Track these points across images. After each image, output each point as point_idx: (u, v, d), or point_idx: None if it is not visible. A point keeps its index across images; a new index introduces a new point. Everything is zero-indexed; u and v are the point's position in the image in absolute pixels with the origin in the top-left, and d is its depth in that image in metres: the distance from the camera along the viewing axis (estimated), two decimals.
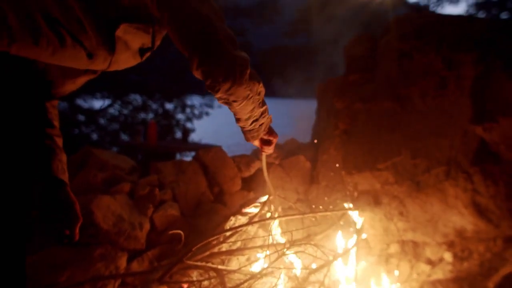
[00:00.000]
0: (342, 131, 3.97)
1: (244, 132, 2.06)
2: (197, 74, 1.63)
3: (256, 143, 2.21)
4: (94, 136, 11.95)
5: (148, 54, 1.81)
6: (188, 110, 12.84)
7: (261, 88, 1.84)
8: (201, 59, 1.60)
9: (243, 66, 1.65)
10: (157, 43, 1.77)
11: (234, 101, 1.76)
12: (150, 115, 12.32)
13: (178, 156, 9.28)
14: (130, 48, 1.68)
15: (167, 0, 1.60)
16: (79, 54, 1.48)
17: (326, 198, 3.91)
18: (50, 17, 1.37)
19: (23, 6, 1.32)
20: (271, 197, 3.23)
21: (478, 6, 10.25)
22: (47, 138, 1.79)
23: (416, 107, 3.48)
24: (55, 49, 1.41)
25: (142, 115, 12.49)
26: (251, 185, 4.23)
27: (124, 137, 11.88)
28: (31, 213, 1.62)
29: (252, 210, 3.41)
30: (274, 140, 2.23)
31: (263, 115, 1.97)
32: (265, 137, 2.16)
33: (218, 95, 1.69)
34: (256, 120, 1.96)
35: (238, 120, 1.94)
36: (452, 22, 3.64)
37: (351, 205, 3.58)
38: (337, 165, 3.90)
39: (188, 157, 9.41)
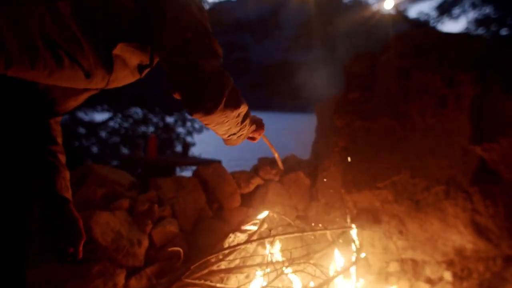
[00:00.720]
0: (342, 148, 3.98)
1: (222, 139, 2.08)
2: (175, 96, 1.68)
3: None
4: (95, 149, 11.96)
5: (147, 71, 1.82)
6: (188, 123, 12.85)
7: (241, 110, 1.85)
8: (176, 84, 1.65)
9: (217, 98, 1.67)
10: (156, 60, 1.78)
11: (207, 124, 1.80)
12: (151, 129, 12.33)
13: (178, 170, 9.27)
14: (128, 65, 1.68)
15: (160, 20, 1.61)
16: (76, 74, 1.47)
17: (325, 216, 3.90)
18: (49, 38, 1.36)
19: (22, 27, 1.31)
20: (270, 213, 3.24)
21: (477, 22, 10.28)
22: (51, 155, 1.80)
23: (416, 126, 3.49)
24: (52, 71, 1.39)
25: (142, 129, 12.51)
26: (251, 201, 4.22)
27: (125, 150, 11.88)
28: (31, 229, 1.62)
29: (251, 227, 3.41)
30: (258, 137, 2.26)
31: (242, 129, 1.98)
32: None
33: (192, 117, 1.73)
34: (234, 134, 1.97)
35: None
36: (451, 40, 3.66)
37: (350, 223, 3.58)
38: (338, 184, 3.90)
39: (188, 171, 9.40)
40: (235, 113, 1.80)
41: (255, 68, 12.70)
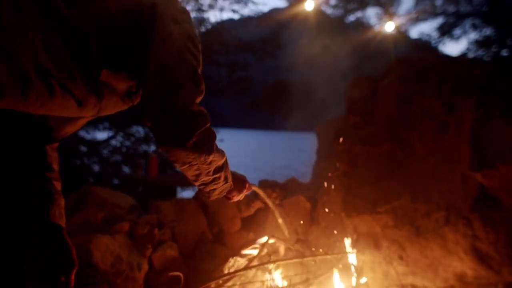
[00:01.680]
0: (342, 172, 3.98)
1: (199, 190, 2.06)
2: (147, 123, 1.68)
3: None
4: (96, 168, 11.94)
5: (138, 97, 1.82)
6: None
7: (214, 159, 1.83)
8: (148, 114, 1.65)
9: (184, 137, 1.67)
10: None
11: (174, 162, 1.77)
12: (152, 147, 12.32)
13: (179, 189, 9.26)
14: (117, 92, 1.68)
15: (145, 47, 1.63)
16: (69, 103, 1.47)
17: (326, 240, 3.89)
18: (42, 67, 1.35)
19: (13, 56, 1.29)
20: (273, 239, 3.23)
21: (478, 43, 10.33)
22: (46, 182, 1.79)
23: (416, 151, 3.49)
24: (44, 102, 1.38)
25: (144, 147, 12.50)
26: (251, 225, 4.21)
27: (126, 169, 11.87)
28: (25, 256, 1.62)
29: (251, 251, 3.39)
30: (237, 197, 2.25)
31: (215, 182, 1.96)
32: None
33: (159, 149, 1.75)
34: (205, 184, 1.94)
35: None
36: (451, 65, 3.68)
37: (350, 248, 3.56)
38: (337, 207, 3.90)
39: (189, 190, 9.39)
40: (205, 159, 1.78)
41: (256, 87, 12.73)
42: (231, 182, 2.09)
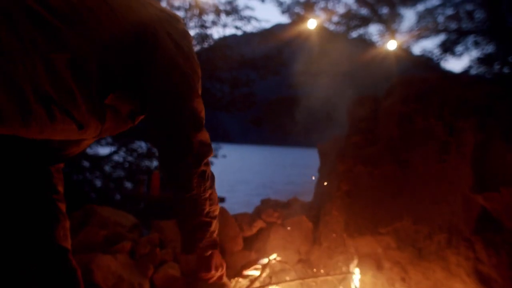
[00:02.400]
0: (344, 192, 3.98)
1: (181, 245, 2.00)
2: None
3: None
4: (98, 183, 11.93)
5: (140, 118, 1.83)
6: None
7: (211, 197, 1.87)
8: (155, 141, 1.73)
9: (194, 161, 1.72)
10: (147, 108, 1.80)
11: (176, 189, 1.83)
12: (155, 163, 12.32)
13: None
14: (120, 113, 1.69)
15: (156, 90, 1.65)
16: (70, 127, 1.46)
17: (328, 260, 3.88)
18: (42, 92, 1.34)
19: (14, 83, 1.27)
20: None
21: (480, 61, 10.33)
22: (51, 204, 1.80)
23: (418, 172, 3.49)
24: (44, 128, 1.37)
25: (146, 162, 12.49)
26: (253, 244, 4.20)
27: (128, 184, 11.86)
28: (30, 278, 1.62)
29: (253, 272, 3.39)
30: (209, 274, 2.10)
31: (204, 229, 1.92)
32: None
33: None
34: (195, 228, 1.91)
35: None
36: (453, 86, 3.69)
37: (352, 269, 3.55)
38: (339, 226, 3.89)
39: None
40: (204, 189, 1.81)
41: (259, 103, 12.74)
42: (217, 244, 2.03)
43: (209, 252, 2.02)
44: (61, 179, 1.88)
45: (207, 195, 1.83)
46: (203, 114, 1.76)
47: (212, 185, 1.84)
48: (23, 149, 1.60)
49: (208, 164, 1.77)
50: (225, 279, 2.19)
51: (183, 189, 1.78)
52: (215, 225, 1.97)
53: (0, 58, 1.27)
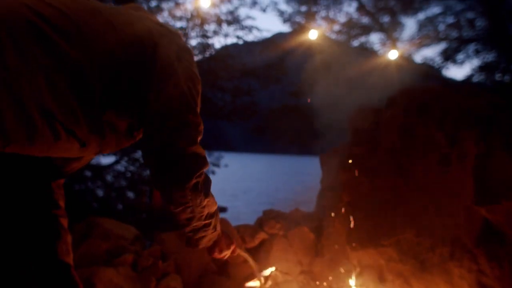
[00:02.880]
0: (347, 203, 3.97)
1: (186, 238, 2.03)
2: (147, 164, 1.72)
3: None
4: (100, 192, 11.92)
5: (140, 135, 1.83)
6: None
7: (208, 203, 1.85)
8: (148, 156, 1.71)
9: (184, 178, 1.71)
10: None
11: (168, 203, 1.79)
12: None
13: None
14: (118, 130, 1.69)
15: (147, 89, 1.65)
16: (72, 145, 1.48)
17: (330, 272, 3.87)
18: (46, 110, 1.35)
19: (20, 101, 1.29)
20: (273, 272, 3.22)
21: (481, 69, 10.36)
22: (53, 220, 1.80)
23: (420, 183, 3.48)
24: (49, 146, 1.40)
25: (148, 172, 12.47)
26: (256, 256, 4.20)
27: (130, 194, 11.85)
28: None
29: (255, 283, 3.38)
30: (226, 252, 2.21)
31: (205, 229, 1.94)
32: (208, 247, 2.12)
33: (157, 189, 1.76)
34: (195, 230, 1.93)
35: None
36: (455, 97, 3.68)
37: (355, 281, 3.54)
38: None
39: None
40: (200, 201, 1.80)
41: (261, 112, 12.76)
42: (220, 232, 2.08)
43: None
44: (62, 195, 1.89)
45: (204, 203, 1.82)
46: (201, 128, 1.76)
47: (207, 193, 1.84)
48: (26, 165, 1.61)
49: (201, 175, 1.76)
50: (238, 251, 2.37)
51: (178, 204, 1.78)
52: (215, 221, 1.99)
53: (7, 77, 1.29)
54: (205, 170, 1.77)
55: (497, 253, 3.01)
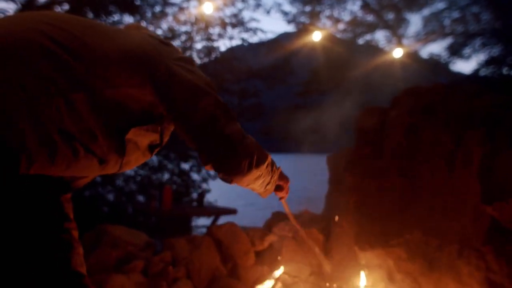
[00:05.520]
0: (354, 204, 3.98)
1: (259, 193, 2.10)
2: (208, 168, 1.74)
3: None
4: (110, 197, 11.96)
5: (157, 150, 1.85)
6: (203, 170, 12.85)
7: (269, 160, 1.89)
8: (208, 156, 1.70)
9: (249, 157, 1.73)
10: (166, 139, 1.81)
11: (247, 185, 1.86)
12: (166, 176, 12.34)
13: (194, 219, 9.27)
14: (140, 148, 1.70)
15: (172, 97, 1.66)
16: (92, 163, 1.50)
17: (339, 273, 3.88)
18: (65, 131, 1.37)
19: (40, 122, 1.32)
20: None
21: (488, 63, 10.32)
22: (65, 233, 1.82)
23: (426, 184, 3.50)
24: (69, 164, 1.42)
25: (158, 175, 12.51)
26: (265, 258, 4.22)
27: (140, 198, 11.88)
28: None
29: (266, 286, 3.41)
30: (285, 185, 2.26)
31: (273, 175, 2.01)
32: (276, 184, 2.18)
33: (232, 183, 1.78)
34: (269, 183, 2.01)
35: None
36: (460, 96, 3.69)
37: (364, 281, 3.56)
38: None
39: (204, 218, 9.38)
40: (266, 164, 1.86)
41: (268, 113, 12.76)
42: (278, 172, 2.11)
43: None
44: (71, 208, 1.91)
45: (266, 164, 1.88)
46: (235, 114, 1.78)
47: (265, 157, 1.86)
48: (39, 182, 1.63)
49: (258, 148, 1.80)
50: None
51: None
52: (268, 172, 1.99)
53: (28, 101, 1.32)
54: (256, 145, 1.80)
55: (505, 250, 3.02)
